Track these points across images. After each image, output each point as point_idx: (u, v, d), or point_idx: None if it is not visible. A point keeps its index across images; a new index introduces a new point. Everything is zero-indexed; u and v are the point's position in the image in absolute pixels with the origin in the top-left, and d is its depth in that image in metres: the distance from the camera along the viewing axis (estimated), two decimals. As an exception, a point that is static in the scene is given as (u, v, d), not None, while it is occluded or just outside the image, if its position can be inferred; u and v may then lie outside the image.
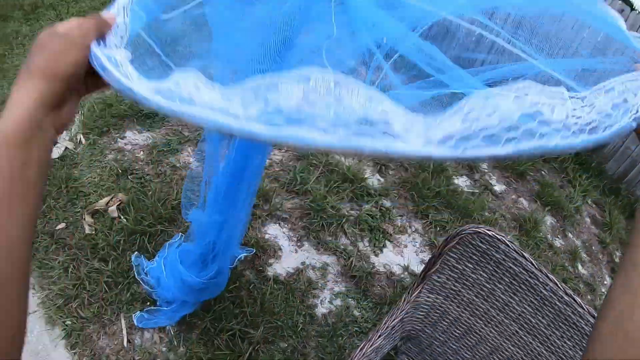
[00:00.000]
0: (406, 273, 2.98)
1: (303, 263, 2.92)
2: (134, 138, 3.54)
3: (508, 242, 1.44)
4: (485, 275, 1.55)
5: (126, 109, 3.70)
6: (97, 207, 3.03)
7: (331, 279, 2.86)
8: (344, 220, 3.14)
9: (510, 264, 1.47)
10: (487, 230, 1.45)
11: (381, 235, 3.15)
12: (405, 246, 3.17)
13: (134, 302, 2.61)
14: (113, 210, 3.00)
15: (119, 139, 3.54)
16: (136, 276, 2.63)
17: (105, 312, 2.59)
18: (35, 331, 2.56)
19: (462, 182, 3.82)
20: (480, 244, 1.49)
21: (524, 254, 1.44)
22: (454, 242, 1.50)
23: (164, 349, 2.46)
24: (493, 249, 1.47)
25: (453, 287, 1.63)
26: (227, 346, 2.43)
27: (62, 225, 3.01)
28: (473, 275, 1.57)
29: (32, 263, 2.83)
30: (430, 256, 1.65)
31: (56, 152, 3.47)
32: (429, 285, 1.64)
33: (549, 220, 3.79)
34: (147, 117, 3.63)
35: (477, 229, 1.46)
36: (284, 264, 2.90)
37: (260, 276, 2.79)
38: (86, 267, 2.74)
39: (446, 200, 3.48)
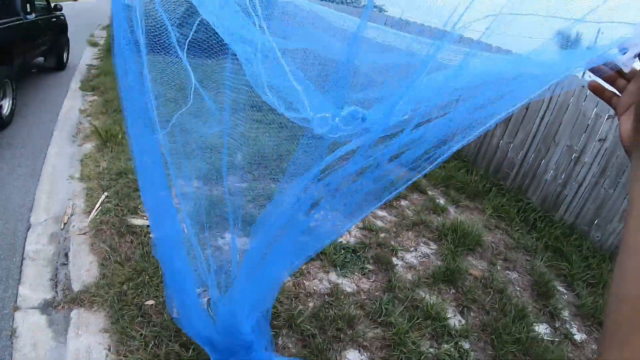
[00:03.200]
0: None
1: (379, 395, 2.92)
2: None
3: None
4: None
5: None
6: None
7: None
8: (422, 358, 3.13)
9: None
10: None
11: (457, 378, 3.11)
12: (481, 393, 3.11)
13: (204, 397, 2.67)
14: (204, 303, 3.15)
15: (219, 238, 3.77)
16: (213, 373, 2.68)
17: (174, 397, 2.66)
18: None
19: (542, 329, 3.75)
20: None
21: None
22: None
23: None
24: None
25: None
26: None
27: (151, 302, 3.18)
28: None
29: (115, 326, 3.00)
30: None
31: (161, 233, 3.74)
32: None
33: (628, 377, 3.60)
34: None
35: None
36: (360, 392, 2.90)
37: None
38: (167, 347, 2.86)
39: (525, 347, 3.41)
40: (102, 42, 11.95)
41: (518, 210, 5.55)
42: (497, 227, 5.27)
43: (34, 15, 7.57)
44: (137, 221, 4.02)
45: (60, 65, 9.49)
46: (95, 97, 7.16)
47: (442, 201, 5.52)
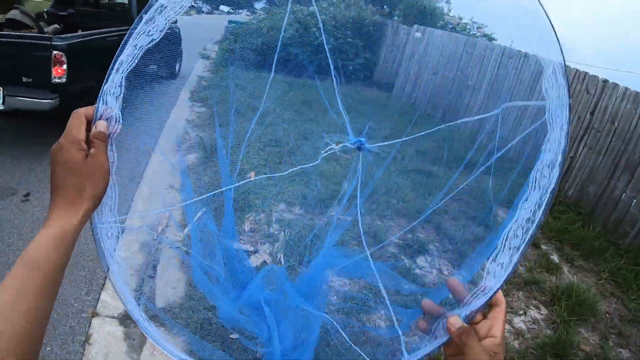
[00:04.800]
0: None
1: None
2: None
3: None
4: None
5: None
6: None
7: None
8: None
9: None
10: None
11: None
12: None
13: None
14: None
15: (320, 278, 3.53)
16: None
17: None
18: None
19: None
20: None
21: None
22: None
23: None
24: None
25: None
26: None
27: (235, 336, 2.91)
28: None
29: (194, 355, 2.75)
30: None
31: (255, 261, 3.50)
32: None
33: None
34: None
35: None
36: None
37: None
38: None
39: None
40: (213, 55, 12.22)
41: (636, 276, 4.86)
42: (612, 294, 4.62)
43: (149, 25, 7.72)
44: (234, 245, 3.81)
45: (172, 75, 9.66)
46: (204, 109, 7.12)
47: (555, 258, 4.94)
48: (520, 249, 0.77)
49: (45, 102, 4.98)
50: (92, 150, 0.84)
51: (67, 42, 5.04)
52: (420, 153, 5.62)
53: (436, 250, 4.47)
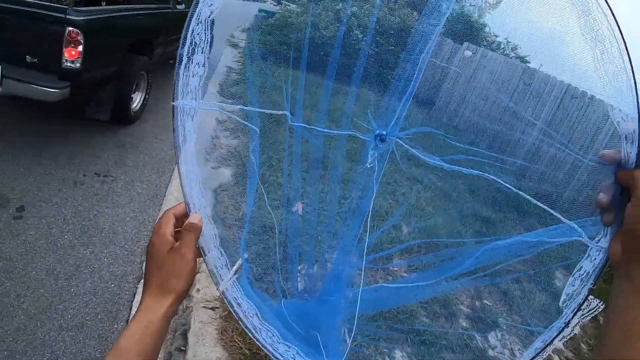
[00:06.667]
0: None
1: None
2: None
3: None
4: None
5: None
6: None
7: None
8: None
9: None
10: None
11: None
12: None
13: None
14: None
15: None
16: None
17: None
18: None
19: None
20: None
21: None
22: None
23: None
24: None
25: None
26: None
27: None
28: None
29: None
30: None
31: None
32: None
33: None
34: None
35: None
36: None
37: None
38: None
39: None
40: (242, 44, 11.26)
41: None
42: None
43: (183, 5, 6.73)
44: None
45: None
46: (236, 108, 6.11)
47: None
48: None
49: (52, 92, 3.85)
50: (177, 244, 0.81)
51: (86, 17, 3.91)
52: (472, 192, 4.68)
53: (505, 324, 3.47)
